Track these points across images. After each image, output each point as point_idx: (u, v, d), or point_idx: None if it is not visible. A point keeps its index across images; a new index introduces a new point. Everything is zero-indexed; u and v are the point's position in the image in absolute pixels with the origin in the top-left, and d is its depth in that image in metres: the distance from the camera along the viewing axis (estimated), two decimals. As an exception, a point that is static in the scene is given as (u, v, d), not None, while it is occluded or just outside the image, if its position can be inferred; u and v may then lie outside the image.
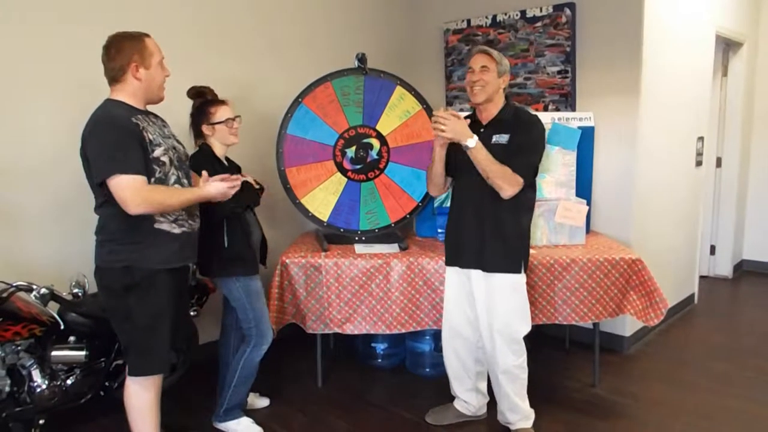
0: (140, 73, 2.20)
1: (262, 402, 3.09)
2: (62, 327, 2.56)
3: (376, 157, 3.36)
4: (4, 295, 2.38)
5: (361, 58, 3.31)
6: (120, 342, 2.41)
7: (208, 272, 2.74)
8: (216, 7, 3.51)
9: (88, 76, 2.93)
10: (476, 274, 2.66)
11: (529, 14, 3.94)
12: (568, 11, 3.75)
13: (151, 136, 2.18)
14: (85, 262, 2.88)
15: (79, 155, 2.19)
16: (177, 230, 2.26)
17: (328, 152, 3.33)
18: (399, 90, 3.37)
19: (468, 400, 2.90)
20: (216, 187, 2.30)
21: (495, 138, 2.56)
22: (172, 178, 2.25)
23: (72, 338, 2.60)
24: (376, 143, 3.36)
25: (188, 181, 2.36)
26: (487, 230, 2.59)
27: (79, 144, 2.17)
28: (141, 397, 2.29)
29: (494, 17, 4.13)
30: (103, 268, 2.23)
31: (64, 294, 2.66)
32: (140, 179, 2.10)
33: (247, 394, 2.86)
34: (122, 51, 2.18)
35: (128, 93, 2.23)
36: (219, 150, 2.77)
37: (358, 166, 3.35)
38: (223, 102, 2.77)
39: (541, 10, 3.87)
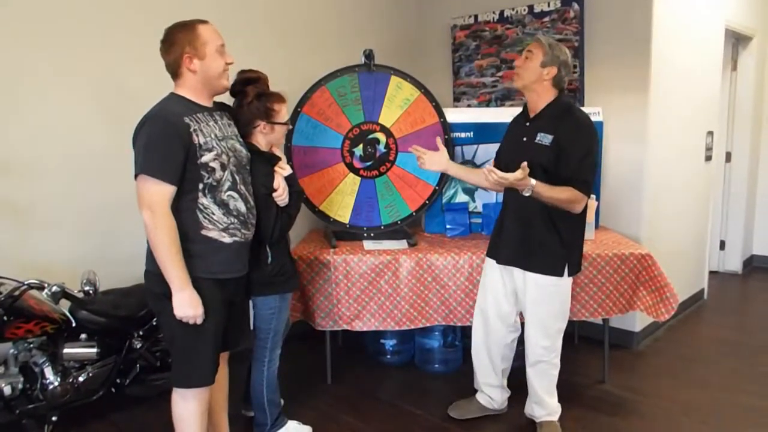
0: (194, 64, 2.04)
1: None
2: (74, 324, 2.58)
3: (384, 150, 3.36)
4: (17, 293, 2.39)
5: (369, 55, 3.31)
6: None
7: (246, 292, 2.43)
8: (226, 3, 3.51)
9: (102, 74, 2.96)
10: (517, 271, 2.64)
11: (537, 9, 3.92)
12: (576, 6, 3.72)
13: (202, 139, 2.03)
14: (96, 260, 2.93)
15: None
16: (227, 239, 2.11)
17: (336, 155, 3.32)
18: (394, 79, 3.35)
19: (492, 396, 2.90)
20: (183, 310, 2.00)
21: (539, 137, 2.48)
22: (226, 184, 2.10)
23: (83, 335, 2.62)
24: (382, 137, 3.36)
25: (245, 188, 2.19)
26: (527, 231, 2.55)
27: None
28: (180, 406, 2.17)
29: (502, 12, 4.11)
30: (147, 271, 2.11)
31: (76, 292, 2.67)
32: (166, 189, 1.96)
33: (280, 395, 2.72)
34: (175, 43, 2.04)
35: (189, 87, 2.09)
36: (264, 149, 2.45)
37: (369, 163, 3.35)
38: (283, 98, 2.44)
39: (548, 5, 3.85)
